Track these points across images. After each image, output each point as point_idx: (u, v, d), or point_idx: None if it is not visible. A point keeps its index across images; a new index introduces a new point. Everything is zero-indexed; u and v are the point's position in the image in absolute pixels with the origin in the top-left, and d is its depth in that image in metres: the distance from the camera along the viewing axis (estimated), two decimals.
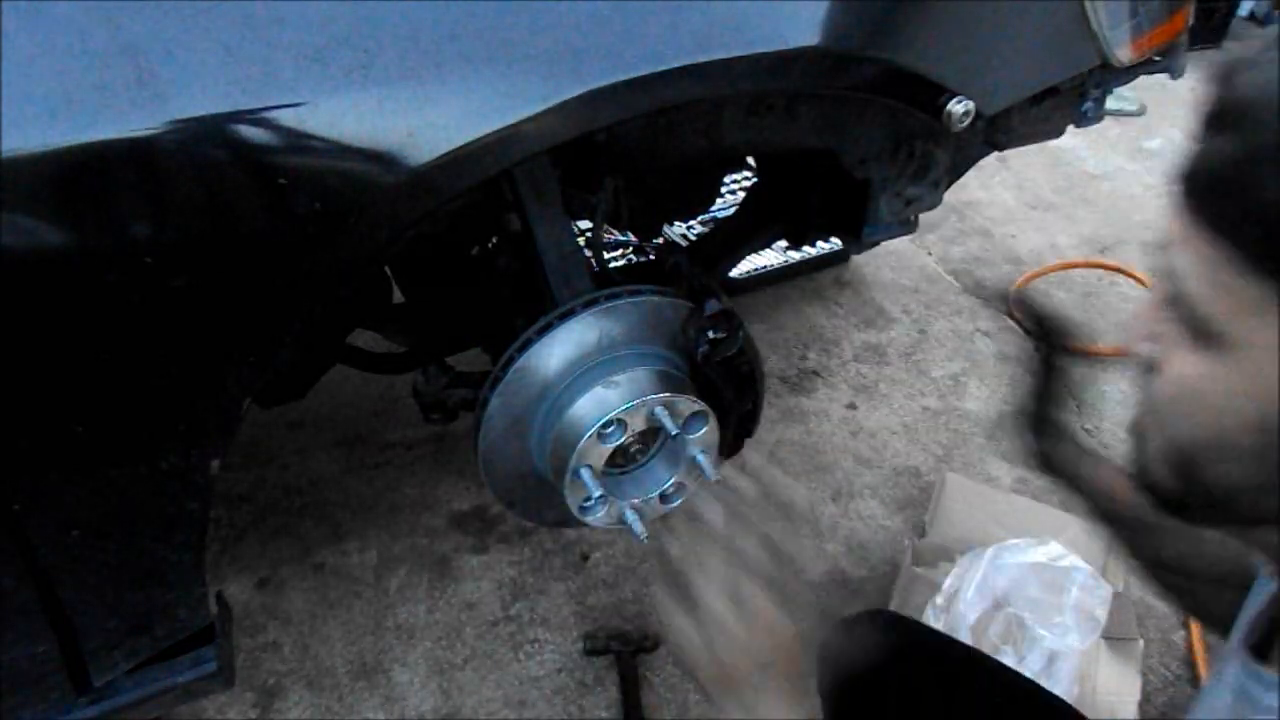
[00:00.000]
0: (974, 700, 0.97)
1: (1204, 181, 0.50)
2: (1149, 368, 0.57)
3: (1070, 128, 1.38)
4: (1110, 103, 1.35)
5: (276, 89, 0.66)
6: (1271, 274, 0.46)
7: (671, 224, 2.17)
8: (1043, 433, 0.97)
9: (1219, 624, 0.85)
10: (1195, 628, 1.62)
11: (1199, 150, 0.50)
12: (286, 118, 0.66)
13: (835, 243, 2.35)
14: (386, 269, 1.34)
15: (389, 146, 0.69)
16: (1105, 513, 0.94)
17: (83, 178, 0.63)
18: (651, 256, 1.59)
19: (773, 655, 0.69)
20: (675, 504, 1.12)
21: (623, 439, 1.03)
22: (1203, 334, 0.51)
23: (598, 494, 1.01)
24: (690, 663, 0.71)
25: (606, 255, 1.70)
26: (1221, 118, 0.49)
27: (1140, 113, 3.52)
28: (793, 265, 2.42)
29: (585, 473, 1.00)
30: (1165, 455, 0.56)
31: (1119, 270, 2.59)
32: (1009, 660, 1.41)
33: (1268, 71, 0.47)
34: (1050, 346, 0.98)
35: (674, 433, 1.01)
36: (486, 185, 0.78)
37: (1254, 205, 0.46)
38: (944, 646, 1.08)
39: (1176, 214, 0.52)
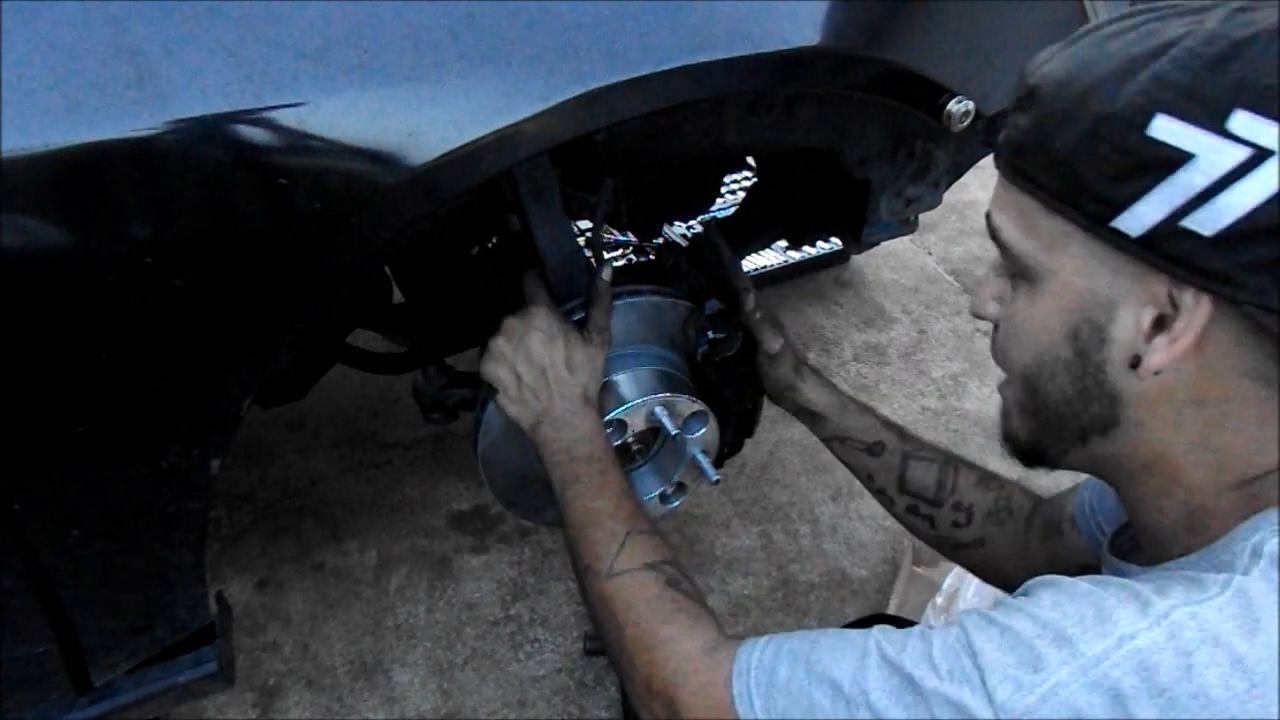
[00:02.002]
0: None
1: (1011, 147, 0.62)
2: (996, 326, 0.68)
3: None
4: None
5: (276, 89, 0.66)
6: (1064, 209, 0.59)
7: (671, 224, 2.17)
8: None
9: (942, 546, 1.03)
10: None
11: (1009, 125, 0.63)
12: (286, 118, 0.66)
13: (835, 243, 2.36)
14: (386, 269, 1.34)
15: (389, 146, 0.69)
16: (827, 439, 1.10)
17: (83, 178, 0.63)
18: (651, 256, 1.59)
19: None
20: (675, 504, 1.12)
21: (623, 439, 1.03)
22: (1022, 274, 0.63)
23: None
24: (514, 416, 0.94)
25: (606, 255, 1.70)
26: (1023, 99, 0.62)
27: None
28: (793, 265, 2.42)
29: None
30: (1018, 401, 0.68)
31: None
32: None
33: (1058, 61, 0.61)
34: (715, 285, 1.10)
35: (674, 433, 1.01)
36: (486, 185, 0.78)
37: (1047, 156, 0.59)
38: None
39: (997, 183, 0.65)
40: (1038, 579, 0.62)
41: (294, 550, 1.77)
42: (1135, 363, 0.59)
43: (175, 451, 0.77)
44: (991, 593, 1.46)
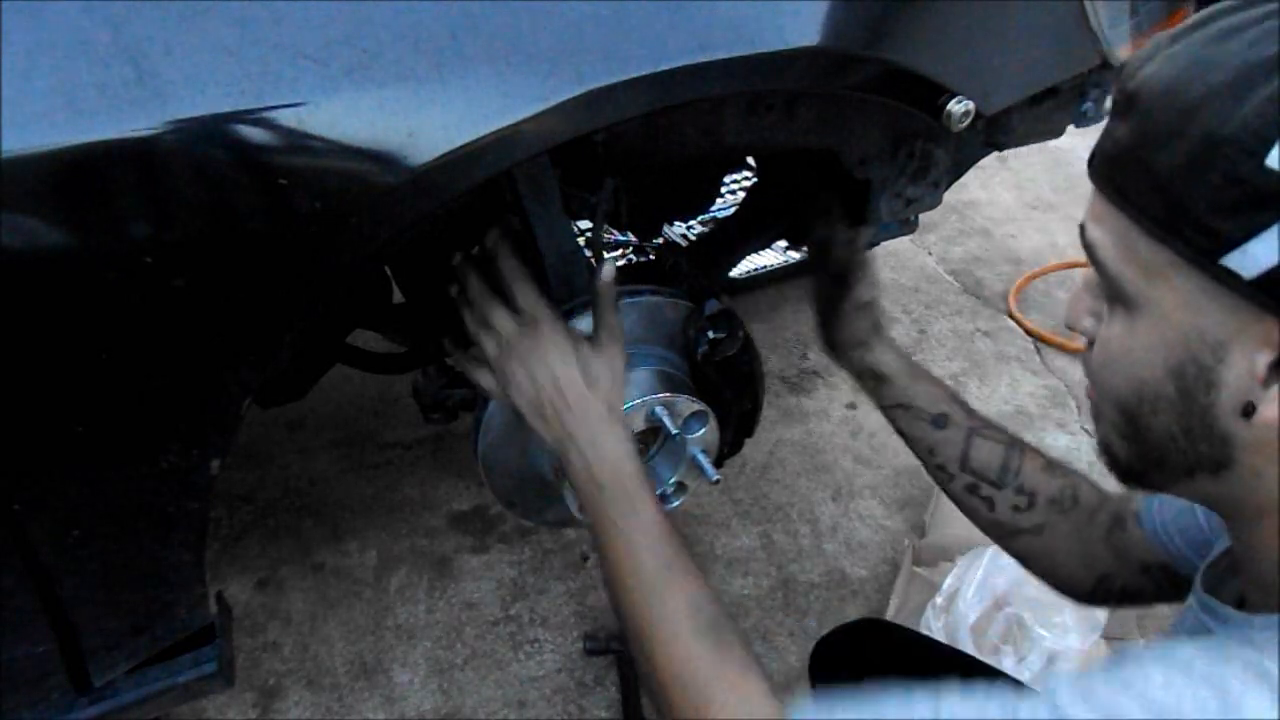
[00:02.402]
0: None
1: (1108, 161, 0.57)
2: (1090, 343, 0.63)
3: (1070, 128, 1.38)
4: (1110, 103, 1.35)
5: (276, 89, 0.66)
6: (1168, 237, 0.53)
7: (671, 224, 2.17)
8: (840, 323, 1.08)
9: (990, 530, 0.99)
10: None
11: (1105, 135, 0.58)
12: (286, 118, 0.66)
13: None
14: (386, 269, 1.34)
15: (389, 146, 0.69)
16: (887, 407, 1.05)
17: (83, 178, 0.63)
18: (651, 256, 1.59)
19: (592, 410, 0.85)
20: (675, 504, 1.12)
21: None
22: (1119, 299, 0.58)
23: None
24: (542, 435, 0.87)
25: (606, 255, 1.70)
26: (1122, 106, 0.56)
27: None
28: (793, 265, 2.42)
29: None
30: (1116, 425, 0.62)
31: None
32: (1008, 660, 1.41)
33: (1160, 65, 0.54)
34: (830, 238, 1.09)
35: (674, 433, 1.01)
36: (486, 185, 0.78)
37: (1150, 177, 0.53)
38: (935, 654, 1.08)
39: (1092, 195, 0.59)
40: (1139, 648, 0.57)
41: (294, 550, 1.77)
42: (1249, 410, 0.53)
43: (175, 451, 0.77)
44: (991, 594, 1.47)
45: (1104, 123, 0.60)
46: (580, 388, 0.85)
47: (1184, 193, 0.51)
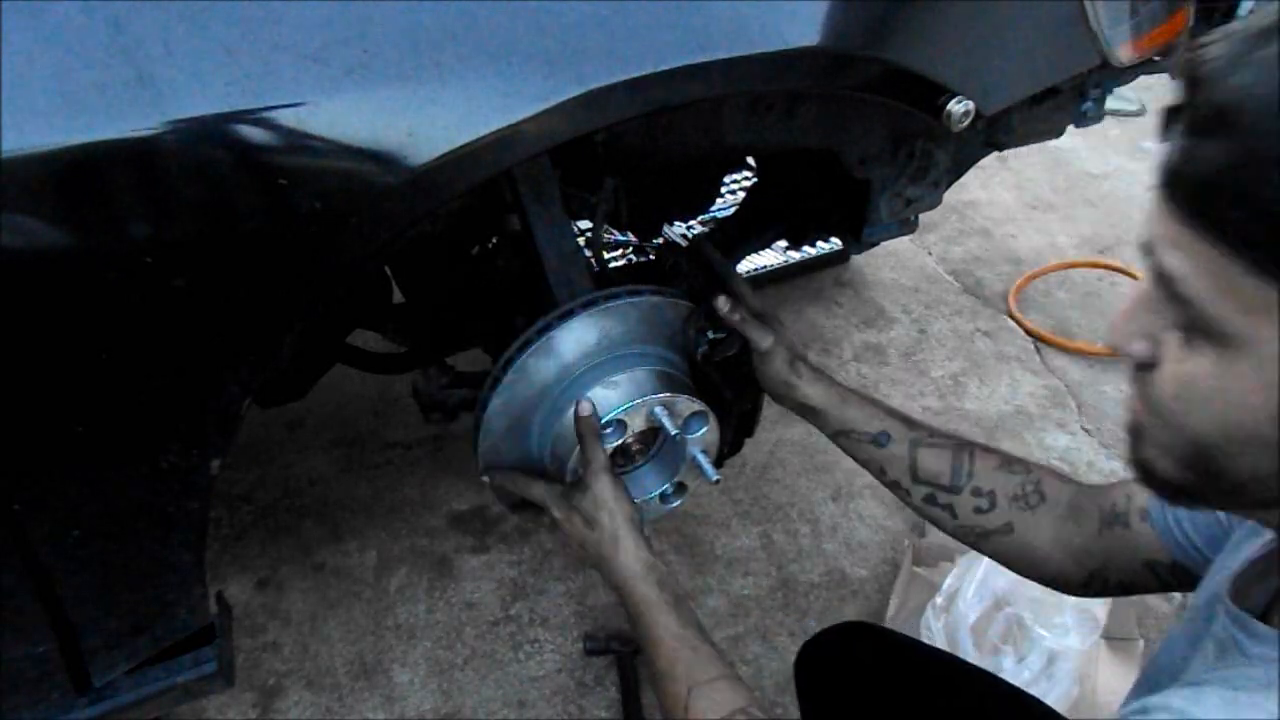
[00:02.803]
0: (956, 710, 0.98)
1: (1198, 186, 0.49)
2: (1142, 366, 0.57)
3: (1070, 128, 1.38)
4: (1110, 103, 1.35)
5: (276, 89, 0.66)
6: (1274, 275, 0.46)
7: (671, 224, 2.17)
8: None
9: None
10: None
11: (1186, 154, 0.50)
12: (286, 118, 0.66)
13: (835, 243, 2.36)
14: (386, 269, 1.34)
15: (389, 146, 0.69)
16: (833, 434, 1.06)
17: (83, 178, 0.63)
18: (651, 256, 1.59)
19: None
20: (675, 504, 1.12)
21: (623, 439, 1.03)
22: (1206, 333, 0.51)
23: None
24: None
25: (606, 255, 1.71)
26: (1206, 121, 0.48)
27: (1140, 113, 3.52)
28: (793, 265, 2.42)
29: None
30: (1173, 451, 0.57)
31: (1119, 270, 2.59)
32: (1008, 660, 1.41)
33: (1257, 73, 0.47)
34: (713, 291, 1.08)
35: (674, 433, 1.01)
36: (486, 185, 0.78)
37: (1258, 209, 0.46)
38: (922, 657, 1.08)
39: (1165, 216, 0.52)
40: (1188, 687, 0.55)
41: (294, 550, 1.77)
42: None
43: (175, 451, 0.77)
44: (991, 594, 1.47)
45: (1177, 134, 0.53)
46: (588, 536, 0.96)
47: None
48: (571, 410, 1.00)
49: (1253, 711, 0.48)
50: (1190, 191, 0.50)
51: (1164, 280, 0.53)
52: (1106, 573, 0.89)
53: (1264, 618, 0.61)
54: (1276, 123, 0.45)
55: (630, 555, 0.93)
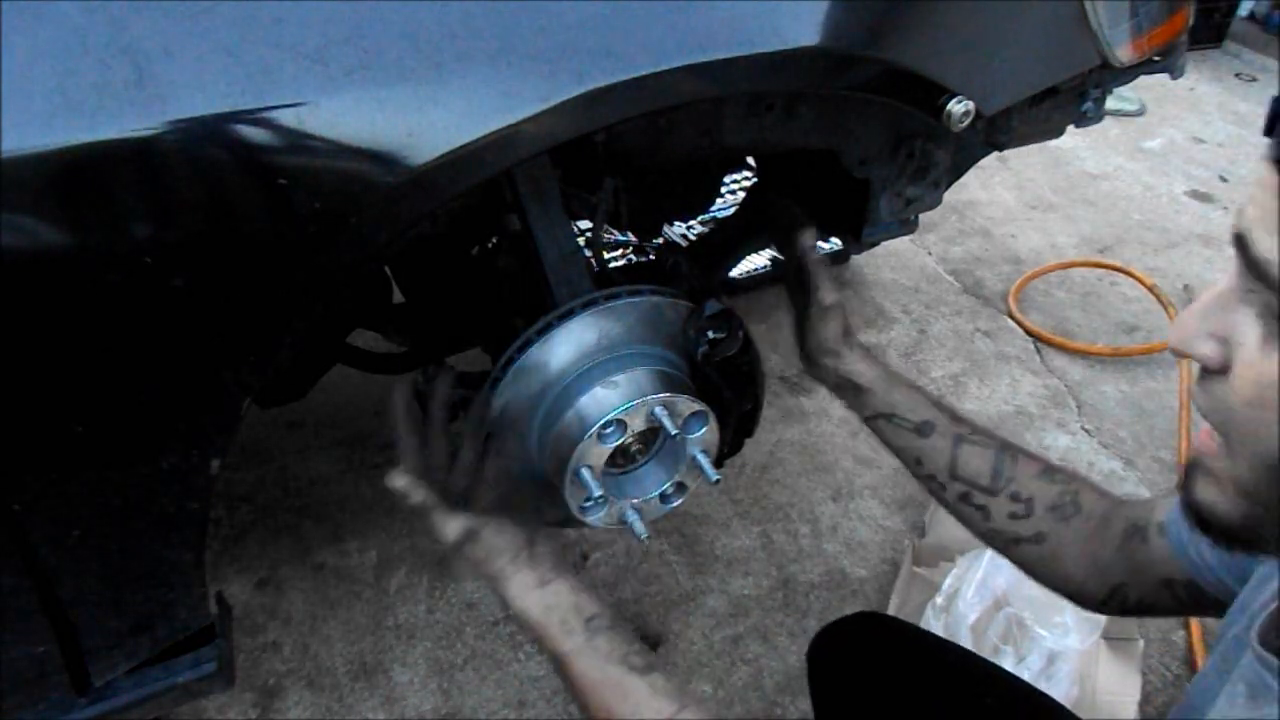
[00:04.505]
0: (969, 703, 0.97)
1: None
2: (1210, 372, 0.53)
3: (1070, 128, 1.38)
4: (1110, 103, 1.35)
5: (276, 89, 0.66)
6: None
7: (671, 224, 2.17)
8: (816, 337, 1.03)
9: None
10: (1195, 628, 1.62)
11: None
12: (286, 118, 0.66)
13: (835, 243, 2.35)
14: (386, 269, 1.34)
15: (389, 146, 0.69)
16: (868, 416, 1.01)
17: (83, 178, 0.63)
18: (651, 256, 1.59)
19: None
20: (675, 504, 1.12)
21: (622, 439, 1.03)
22: None
23: (598, 494, 1.01)
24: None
25: (606, 255, 1.71)
26: None
27: (1140, 113, 3.52)
28: None
29: (585, 473, 1.00)
30: (1238, 479, 0.52)
31: (1119, 270, 2.59)
32: (1008, 660, 1.41)
33: None
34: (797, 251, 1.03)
35: (674, 433, 1.01)
36: (486, 185, 0.78)
37: None
38: (935, 648, 1.08)
39: (1267, 197, 0.47)
40: None
41: (294, 550, 1.77)
42: None
43: (175, 451, 0.77)
44: (991, 594, 1.47)
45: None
46: (483, 567, 0.85)
47: None
48: (571, 411, 1.00)
49: None
50: None
51: (1255, 267, 0.48)
52: (1127, 590, 0.87)
53: None
54: None
55: (519, 601, 0.82)
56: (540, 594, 0.82)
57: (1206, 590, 0.79)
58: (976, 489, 0.93)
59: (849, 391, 1.03)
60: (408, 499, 0.88)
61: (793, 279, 1.05)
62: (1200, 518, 0.55)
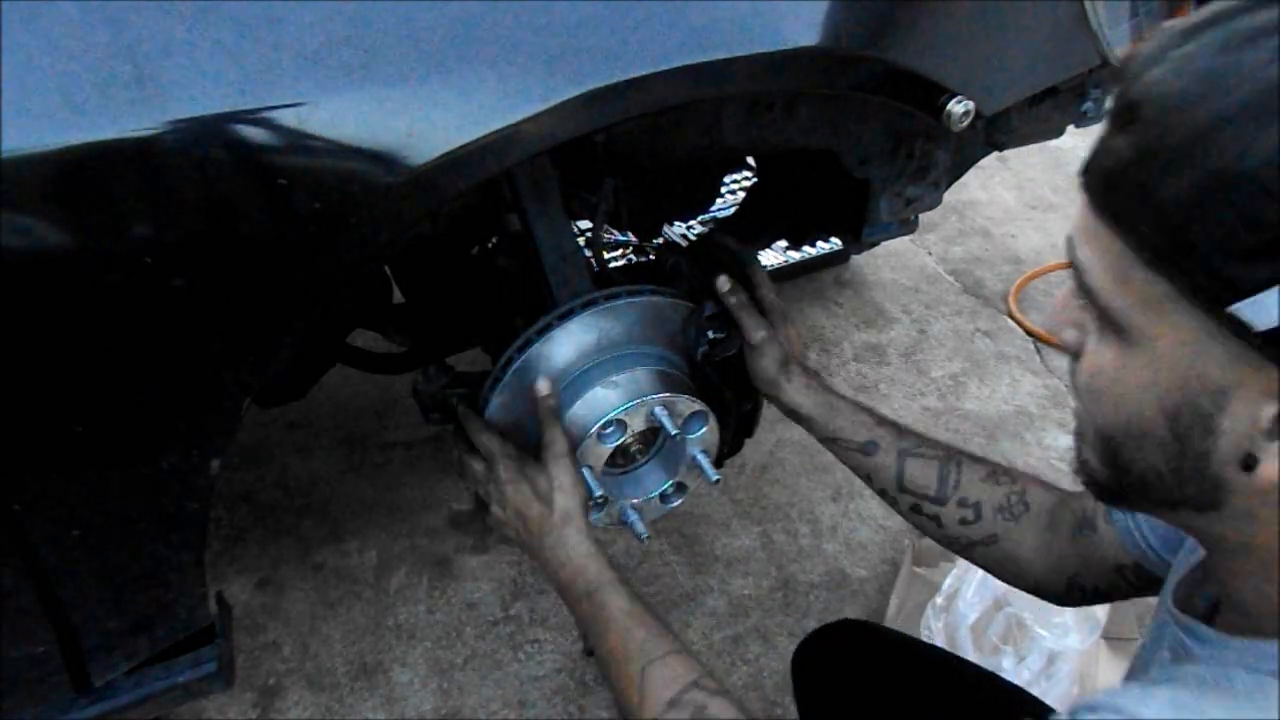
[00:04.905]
0: (951, 706, 0.98)
1: (1103, 177, 0.50)
2: (1074, 355, 0.58)
3: (1070, 128, 1.38)
4: (1110, 103, 1.35)
5: (276, 89, 0.66)
6: (1168, 272, 0.47)
7: (671, 224, 2.17)
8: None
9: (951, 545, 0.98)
10: None
11: (1102, 145, 0.51)
12: (286, 118, 0.66)
13: (835, 243, 2.36)
14: (386, 269, 1.34)
15: (389, 146, 0.69)
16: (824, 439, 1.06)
17: (83, 178, 0.63)
18: (651, 256, 1.59)
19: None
20: (675, 504, 1.12)
21: (622, 439, 1.03)
22: (1113, 325, 0.52)
23: (598, 494, 1.01)
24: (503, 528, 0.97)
25: (606, 255, 1.70)
26: (1122, 114, 0.49)
27: None
28: (793, 265, 2.42)
29: (585, 473, 1.00)
30: (1094, 445, 0.58)
31: None
32: (1008, 660, 1.41)
33: (1166, 70, 0.47)
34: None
35: (674, 433, 1.01)
36: (486, 185, 0.78)
37: (1150, 204, 0.47)
38: (917, 653, 1.08)
39: (1083, 208, 0.53)
40: (1140, 686, 0.54)
41: (294, 550, 1.77)
42: (1249, 463, 0.49)
43: (175, 451, 0.77)
44: (991, 594, 1.47)
45: (1102, 125, 0.54)
46: (535, 508, 0.93)
47: (1191, 228, 0.45)
48: (572, 410, 1.00)
49: (1193, 711, 0.49)
50: (1099, 183, 0.51)
51: (1077, 272, 0.54)
52: (1083, 579, 0.89)
53: (1209, 619, 0.61)
54: (1174, 118, 0.45)
55: (583, 534, 0.92)
56: (594, 538, 0.92)
57: (1152, 571, 0.82)
58: (926, 499, 0.97)
59: (796, 419, 1.07)
60: (543, 400, 0.97)
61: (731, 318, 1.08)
62: (1084, 477, 0.60)
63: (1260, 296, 0.43)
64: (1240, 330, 0.45)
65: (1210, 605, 0.63)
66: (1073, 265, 0.54)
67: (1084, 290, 0.53)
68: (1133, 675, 0.71)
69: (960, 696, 0.99)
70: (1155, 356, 0.50)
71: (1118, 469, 0.56)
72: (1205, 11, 0.48)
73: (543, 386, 0.97)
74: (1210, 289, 0.45)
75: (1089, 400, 0.57)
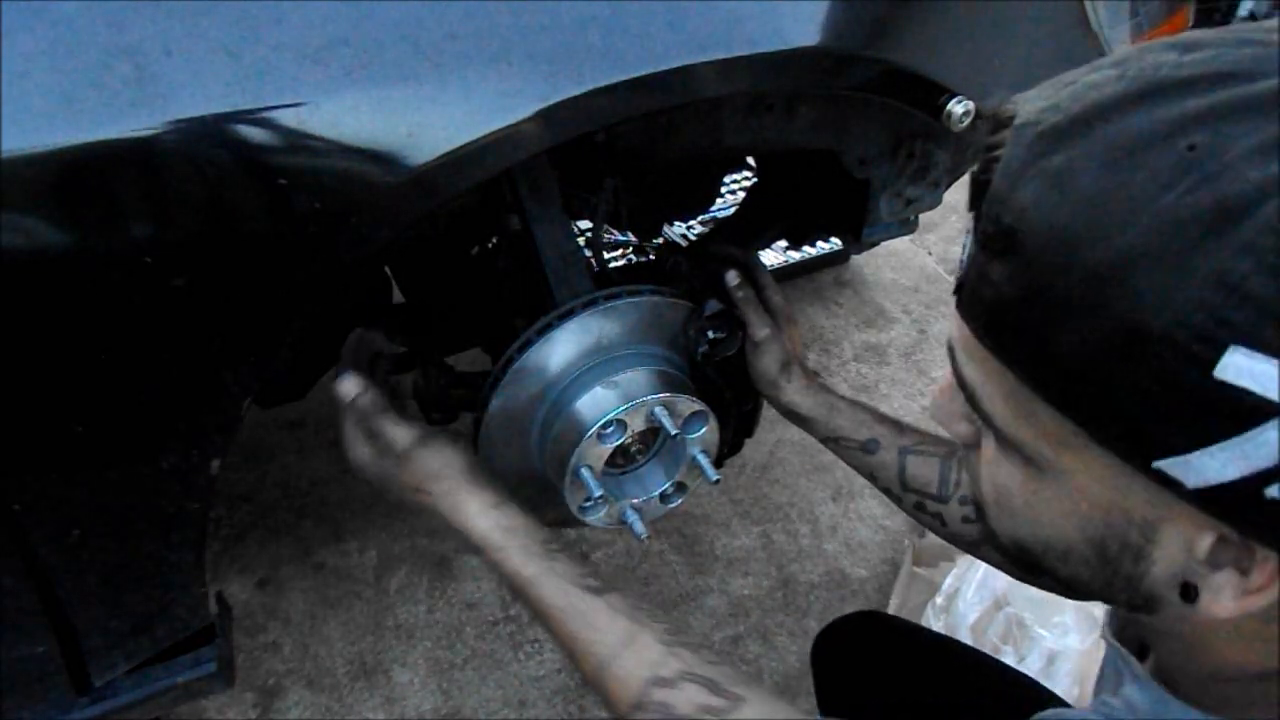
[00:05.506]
0: (971, 698, 0.98)
1: (986, 310, 0.43)
2: (966, 445, 0.53)
3: None
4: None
5: (276, 89, 0.66)
6: (1077, 419, 0.41)
7: (671, 224, 2.17)
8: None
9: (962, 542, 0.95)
10: None
11: (978, 269, 0.43)
12: (286, 118, 0.66)
13: (835, 243, 2.36)
14: (386, 269, 1.34)
15: (389, 146, 0.69)
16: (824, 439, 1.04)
17: (83, 178, 0.63)
18: (651, 256, 1.59)
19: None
20: (675, 504, 1.12)
21: (622, 439, 1.03)
22: (1014, 450, 0.46)
23: (598, 494, 1.01)
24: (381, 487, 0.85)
25: (606, 255, 1.71)
26: (994, 239, 0.41)
27: None
28: (793, 265, 2.42)
29: (585, 473, 1.00)
30: (1006, 550, 0.52)
31: None
32: (1008, 660, 1.41)
33: (1037, 190, 0.39)
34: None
35: (674, 433, 1.01)
36: (486, 185, 0.78)
37: (1047, 351, 0.40)
38: (938, 645, 1.08)
39: (961, 323, 0.46)
40: (1074, 714, 0.52)
41: (294, 550, 1.77)
42: (1189, 593, 0.43)
43: (175, 451, 0.77)
44: (991, 594, 1.47)
45: (968, 239, 0.45)
46: (434, 482, 0.82)
47: (1100, 384, 0.38)
48: (571, 411, 1.00)
49: None
50: (980, 314, 0.44)
51: (965, 388, 0.47)
52: None
53: (1143, 655, 0.58)
54: (1060, 258, 0.38)
55: (479, 521, 0.79)
56: (498, 515, 0.79)
57: None
58: (928, 497, 0.96)
59: (796, 420, 1.06)
60: (356, 399, 0.87)
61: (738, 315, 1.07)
62: (997, 547, 0.54)
63: (1190, 457, 0.37)
64: (1168, 483, 0.39)
65: (1142, 645, 0.60)
66: (958, 380, 0.48)
67: (975, 410, 0.47)
68: (1101, 682, 0.70)
69: (980, 691, 0.99)
70: (1072, 489, 0.44)
71: (1037, 570, 0.51)
72: (1070, 101, 0.40)
73: (348, 389, 0.89)
74: (1126, 443, 0.40)
75: (996, 511, 0.51)
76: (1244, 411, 0.35)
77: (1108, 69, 0.40)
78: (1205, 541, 0.41)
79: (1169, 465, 0.38)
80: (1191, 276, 0.35)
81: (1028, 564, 0.51)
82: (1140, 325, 0.36)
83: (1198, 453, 0.37)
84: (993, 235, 0.41)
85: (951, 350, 0.48)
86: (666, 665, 0.70)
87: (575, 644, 0.75)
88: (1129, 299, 0.36)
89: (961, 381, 0.47)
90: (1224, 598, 0.41)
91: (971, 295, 0.44)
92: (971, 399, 0.47)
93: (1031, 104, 0.42)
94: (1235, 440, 0.36)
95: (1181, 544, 0.42)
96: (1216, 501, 0.38)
